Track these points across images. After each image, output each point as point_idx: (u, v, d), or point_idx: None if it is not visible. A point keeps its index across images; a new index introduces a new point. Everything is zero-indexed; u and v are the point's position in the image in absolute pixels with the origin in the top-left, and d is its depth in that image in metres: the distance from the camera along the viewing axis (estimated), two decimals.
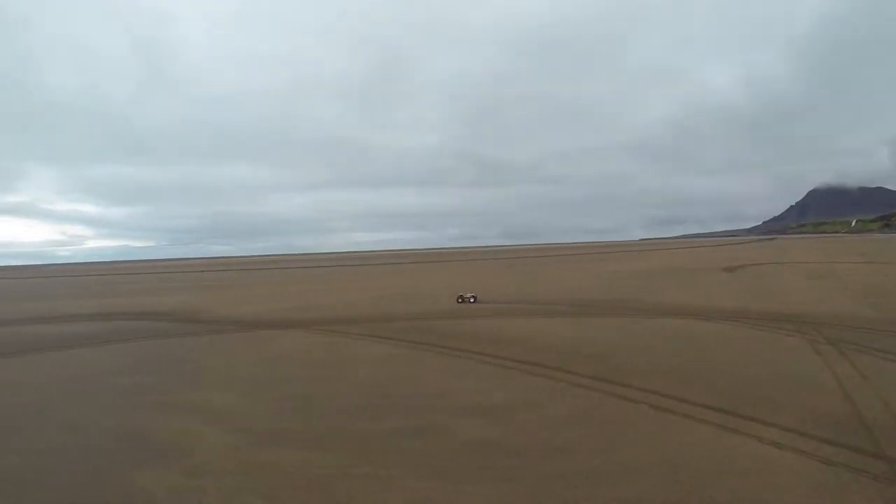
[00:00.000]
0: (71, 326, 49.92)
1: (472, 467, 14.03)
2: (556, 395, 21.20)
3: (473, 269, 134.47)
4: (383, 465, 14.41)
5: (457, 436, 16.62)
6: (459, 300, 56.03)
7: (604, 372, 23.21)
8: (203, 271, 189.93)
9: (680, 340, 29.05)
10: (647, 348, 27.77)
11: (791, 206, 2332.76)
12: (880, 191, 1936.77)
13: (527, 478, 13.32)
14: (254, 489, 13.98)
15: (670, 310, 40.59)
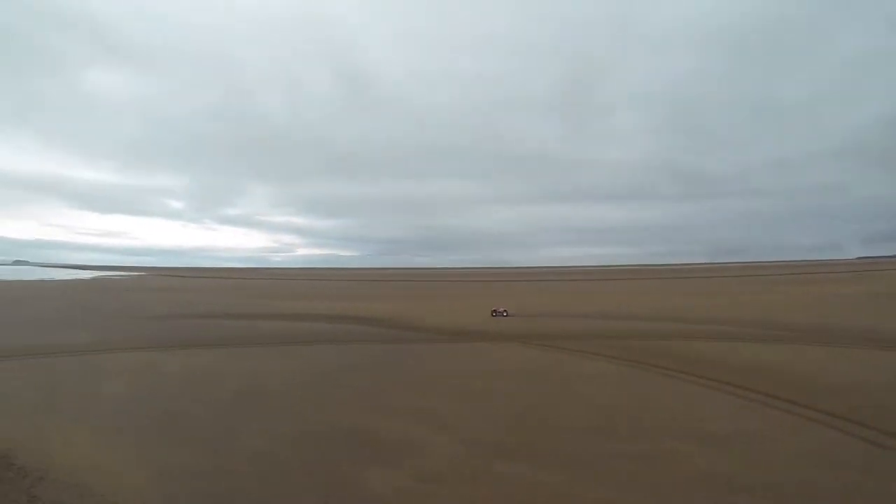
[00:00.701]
0: (301, 324, 58.70)
1: (702, 502, 13.34)
2: (792, 430, 19.30)
3: (674, 287, 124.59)
4: (611, 490, 14.15)
5: (686, 465, 15.79)
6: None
7: (845, 409, 20.18)
8: (408, 281, 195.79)
9: None
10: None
11: None
12: None
13: None
14: (483, 500, 14.83)
15: None
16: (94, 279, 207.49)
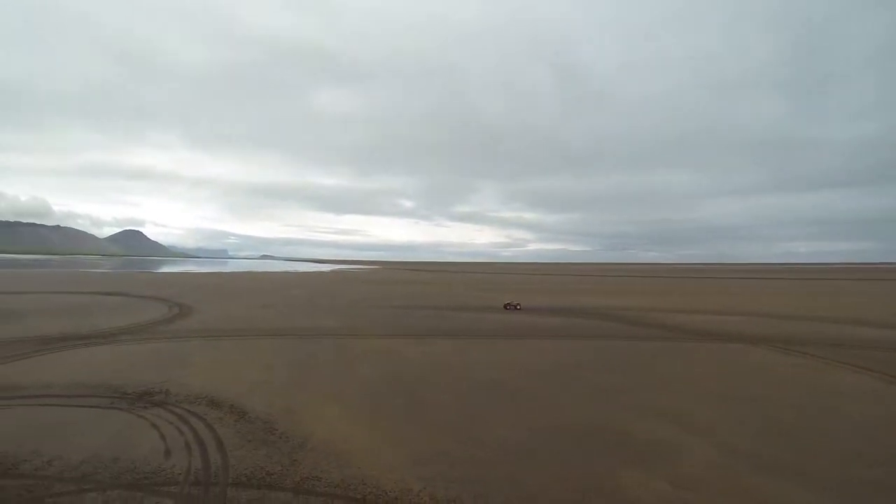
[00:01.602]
0: (555, 319, 58.60)
1: None
2: None
3: None
4: None
5: None
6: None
7: None
8: (638, 277, 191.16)
9: None
10: None
11: None
12: None
13: None
14: None
15: None
16: (332, 271, 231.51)
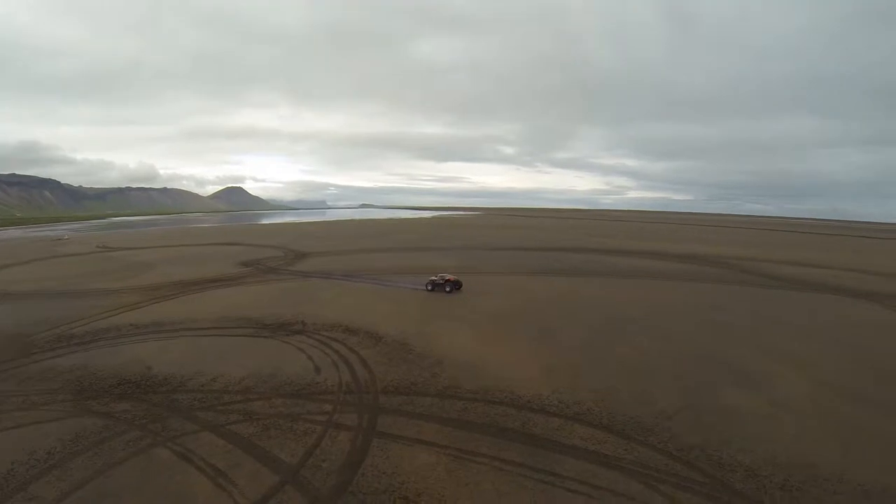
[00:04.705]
0: (660, 263, 65.37)
1: None
2: None
3: None
4: None
5: None
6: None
7: None
8: (744, 229, 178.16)
9: None
10: None
11: None
12: None
13: None
14: (827, 436, 16.94)
15: None
16: (433, 217, 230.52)
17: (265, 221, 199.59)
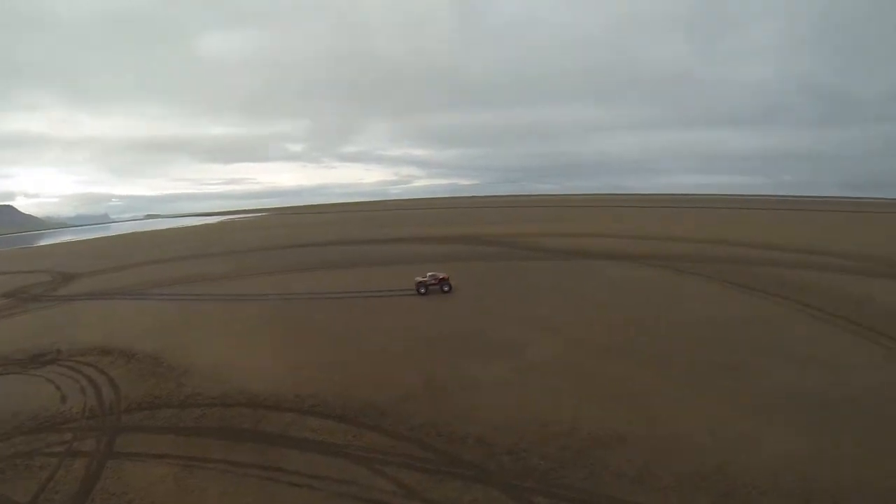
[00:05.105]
0: (416, 246, 65.39)
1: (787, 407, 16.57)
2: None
3: (801, 218, 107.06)
4: (691, 391, 17.34)
5: (767, 379, 18.56)
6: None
7: None
8: (528, 207, 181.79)
9: None
10: None
11: None
12: None
13: None
14: (572, 390, 17.61)
15: None
16: (220, 222, 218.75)
17: (39, 244, 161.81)
